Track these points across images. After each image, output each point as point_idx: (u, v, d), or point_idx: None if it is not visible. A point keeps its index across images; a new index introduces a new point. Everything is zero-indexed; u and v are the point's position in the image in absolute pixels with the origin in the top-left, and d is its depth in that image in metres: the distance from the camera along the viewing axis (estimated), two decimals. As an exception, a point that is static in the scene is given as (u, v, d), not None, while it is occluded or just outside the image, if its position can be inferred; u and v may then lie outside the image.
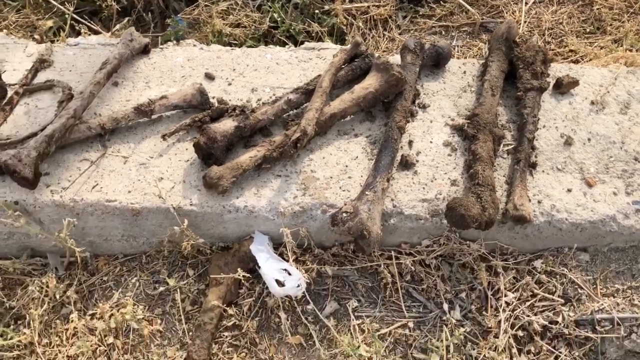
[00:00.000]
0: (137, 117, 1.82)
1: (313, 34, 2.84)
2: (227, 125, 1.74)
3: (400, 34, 2.99)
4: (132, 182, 1.74)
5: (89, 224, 1.76)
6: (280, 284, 1.69)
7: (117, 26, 2.94)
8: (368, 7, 3.02)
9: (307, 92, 1.85)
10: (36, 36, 2.77)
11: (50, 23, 2.93)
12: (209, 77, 1.99)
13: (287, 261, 1.73)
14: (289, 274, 1.71)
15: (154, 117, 1.85)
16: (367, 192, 1.66)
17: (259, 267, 1.74)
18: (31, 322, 1.75)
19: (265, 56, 2.07)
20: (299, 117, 1.88)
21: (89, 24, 2.86)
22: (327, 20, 2.89)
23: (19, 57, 2.04)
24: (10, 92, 1.90)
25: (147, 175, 1.76)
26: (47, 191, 1.71)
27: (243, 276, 1.70)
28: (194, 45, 2.11)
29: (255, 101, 1.92)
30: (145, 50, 2.05)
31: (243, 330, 1.74)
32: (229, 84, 1.98)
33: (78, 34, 2.68)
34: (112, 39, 2.12)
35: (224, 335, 1.74)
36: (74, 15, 2.84)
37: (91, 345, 1.70)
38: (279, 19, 2.90)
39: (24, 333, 1.74)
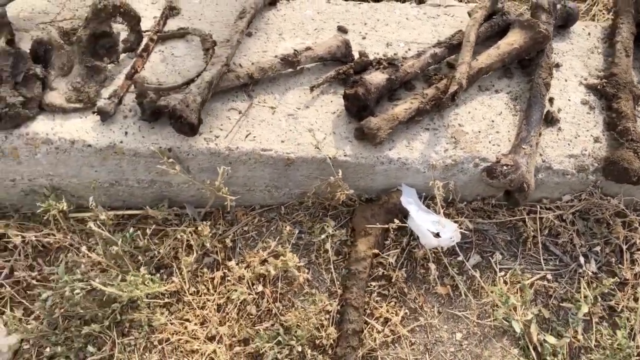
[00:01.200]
0: (283, 68, 1.80)
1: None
2: (378, 77, 1.75)
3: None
4: (283, 132, 1.74)
5: (238, 173, 1.75)
6: (433, 235, 1.72)
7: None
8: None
9: (450, 47, 1.86)
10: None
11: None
12: (342, 30, 1.98)
13: (437, 213, 1.76)
14: (441, 225, 1.74)
15: (298, 68, 1.83)
16: (523, 146, 1.70)
17: (408, 219, 1.77)
18: (179, 271, 1.76)
19: (393, 11, 2.06)
20: (437, 72, 1.90)
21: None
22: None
23: (145, 3, 1.99)
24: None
25: (297, 126, 1.76)
26: (200, 139, 1.69)
27: (389, 228, 1.73)
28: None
29: (391, 55, 1.92)
30: (272, 2, 2.02)
31: (392, 280, 1.77)
32: (363, 38, 1.98)
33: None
34: (236, -11, 2.08)
35: (372, 285, 1.77)
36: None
37: (241, 293, 1.71)
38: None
39: (173, 281, 1.74)
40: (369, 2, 2.16)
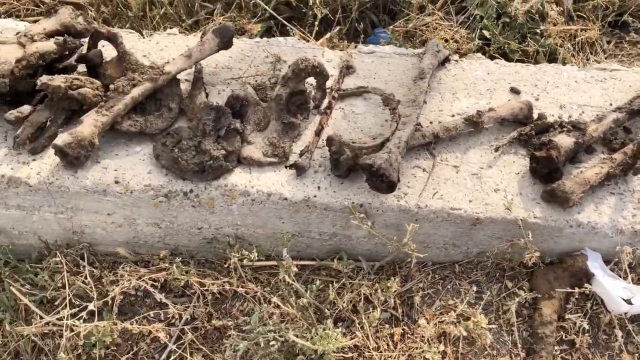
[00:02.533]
0: (466, 128, 1.84)
1: (530, 53, 2.88)
2: (567, 141, 1.76)
3: (606, 58, 3.02)
4: (469, 191, 1.76)
5: (421, 230, 1.77)
6: (624, 301, 1.70)
7: (328, 34, 2.98)
8: (576, 30, 3.05)
9: (631, 112, 1.87)
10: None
11: (258, 27, 2.98)
12: (515, 91, 2.02)
13: (624, 279, 1.74)
14: (631, 292, 1.71)
15: (481, 128, 1.87)
16: None
17: (593, 283, 1.75)
18: (359, 325, 1.77)
19: (561, 74, 2.10)
20: (615, 135, 1.90)
21: (298, 29, 2.91)
22: (541, 40, 2.92)
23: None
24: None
25: (482, 186, 1.78)
26: (391, 196, 1.72)
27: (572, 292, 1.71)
28: (490, 60, 2.14)
29: (566, 118, 1.94)
30: (442, 62, 2.08)
31: (576, 345, 1.74)
32: (535, 99, 2.01)
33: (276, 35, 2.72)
34: (403, 50, 2.15)
35: (555, 349, 1.74)
36: (282, 20, 2.90)
37: (427, 352, 1.70)
38: (490, 36, 2.93)
39: (356, 335, 1.75)
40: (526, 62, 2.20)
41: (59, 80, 1.73)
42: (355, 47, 2.18)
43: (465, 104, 1.97)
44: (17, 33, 1.86)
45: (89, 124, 1.68)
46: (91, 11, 2.96)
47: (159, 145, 1.75)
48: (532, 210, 1.73)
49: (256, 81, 1.97)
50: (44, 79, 1.72)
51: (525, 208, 1.73)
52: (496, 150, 1.83)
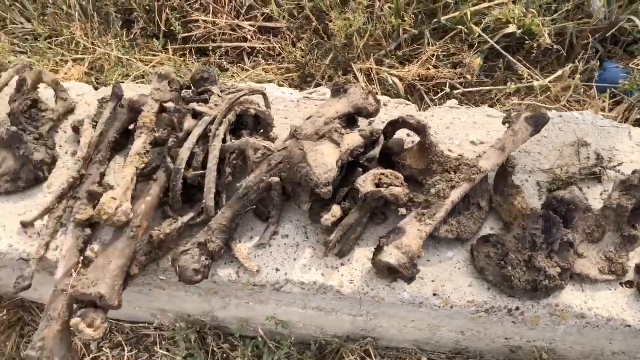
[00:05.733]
0: None
1: None
2: None
3: None
4: None
5: None
6: None
7: (560, 71, 2.70)
8: None
9: None
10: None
11: (479, 61, 2.73)
12: None
13: None
14: None
15: None
16: None
17: None
18: None
19: None
20: None
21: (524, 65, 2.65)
22: None
23: (628, 145, 1.83)
24: None
25: None
26: None
27: None
28: None
29: None
30: None
31: None
32: None
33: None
34: None
35: None
36: (503, 52, 2.63)
37: None
38: None
39: None
40: None
41: (370, 182, 1.59)
42: None
43: None
44: (309, 118, 1.72)
45: (414, 236, 1.54)
46: (290, 37, 2.80)
47: (481, 257, 1.59)
48: None
49: (563, 171, 1.76)
50: (360, 181, 1.58)
51: None
52: None
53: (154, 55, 2.84)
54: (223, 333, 1.89)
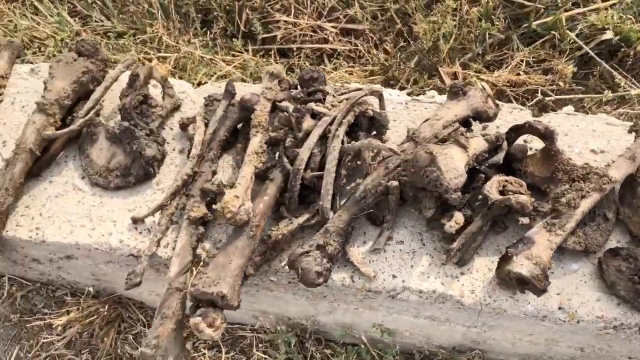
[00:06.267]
0: None
1: None
2: None
3: None
4: None
5: None
6: None
7: None
8: None
9: None
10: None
11: (572, 68, 2.62)
12: None
13: None
14: None
15: None
16: None
17: None
18: None
19: None
20: None
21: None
22: None
23: None
24: None
25: None
26: None
27: None
28: None
29: None
30: None
31: None
32: None
33: None
34: None
35: None
36: (598, 59, 2.53)
37: None
38: None
39: None
40: None
41: (494, 189, 1.53)
42: None
43: None
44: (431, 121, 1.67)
45: (545, 246, 1.47)
46: (372, 39, 2.76)
47: (611, 271, 1.52)
48: None
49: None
50: (487, 188, 1.52)
51: None
52: None
53: (233, 55, 2.83)
54: (324, 338, 1.84)
